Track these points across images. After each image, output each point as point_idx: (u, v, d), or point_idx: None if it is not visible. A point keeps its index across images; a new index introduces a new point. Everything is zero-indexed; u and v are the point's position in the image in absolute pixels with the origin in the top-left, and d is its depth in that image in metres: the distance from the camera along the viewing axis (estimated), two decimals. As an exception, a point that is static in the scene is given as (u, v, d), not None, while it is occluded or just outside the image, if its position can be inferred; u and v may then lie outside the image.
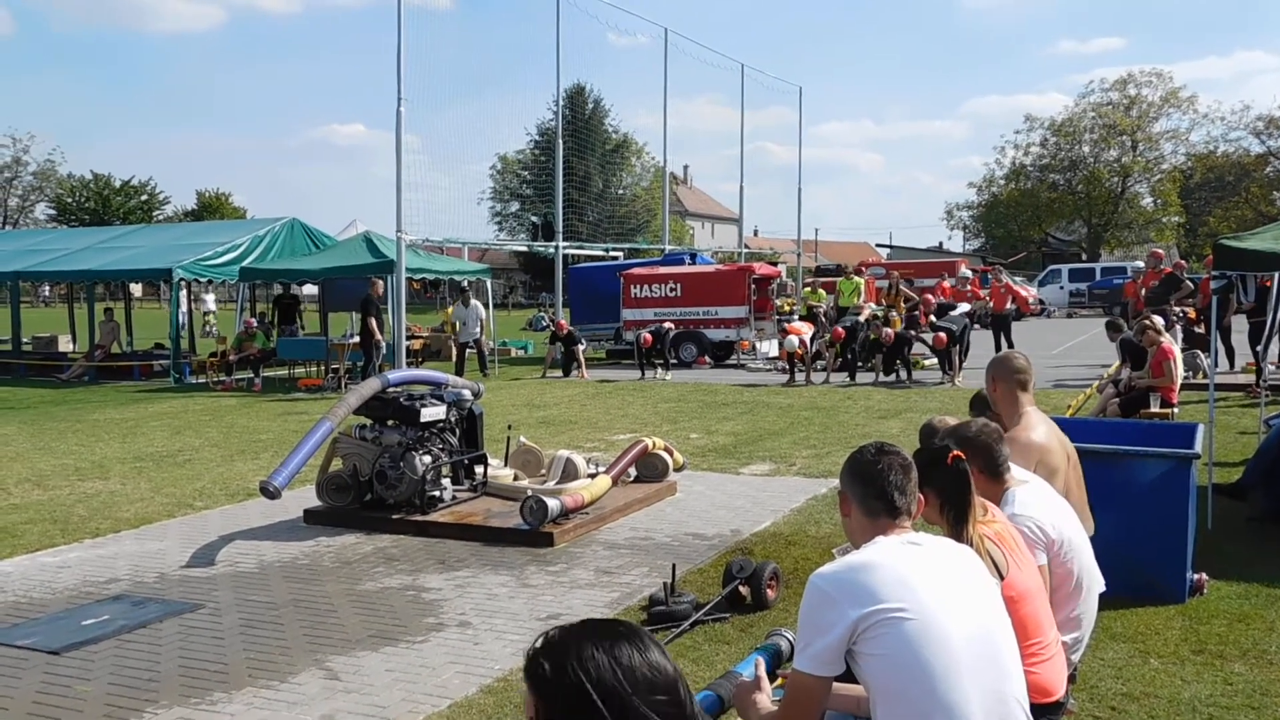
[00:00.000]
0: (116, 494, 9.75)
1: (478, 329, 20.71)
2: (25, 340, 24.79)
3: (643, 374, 20.14)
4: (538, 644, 1.66)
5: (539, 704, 1.63)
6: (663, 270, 24.34)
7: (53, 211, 76.57)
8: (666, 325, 21.18)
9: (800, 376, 18.44)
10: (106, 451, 12.18)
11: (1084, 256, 61.51)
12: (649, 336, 20.31)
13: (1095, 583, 3.98)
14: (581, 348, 21.07)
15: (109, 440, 13.06)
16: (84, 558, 7.54)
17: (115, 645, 5.68)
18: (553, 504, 7.63)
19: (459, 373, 19.23)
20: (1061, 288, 43.03)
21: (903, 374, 18.04)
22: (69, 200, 75.53)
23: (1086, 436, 6.31)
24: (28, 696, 4.99)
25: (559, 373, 20.86)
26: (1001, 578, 3.16)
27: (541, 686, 1.61)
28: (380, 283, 18.84)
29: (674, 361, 21.35)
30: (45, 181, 78.84)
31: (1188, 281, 18.26)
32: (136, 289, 40.62)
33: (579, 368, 20.71)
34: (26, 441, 13.05)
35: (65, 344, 26.63)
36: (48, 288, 53.40)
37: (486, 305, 22.13)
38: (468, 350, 20.76)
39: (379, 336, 18.22)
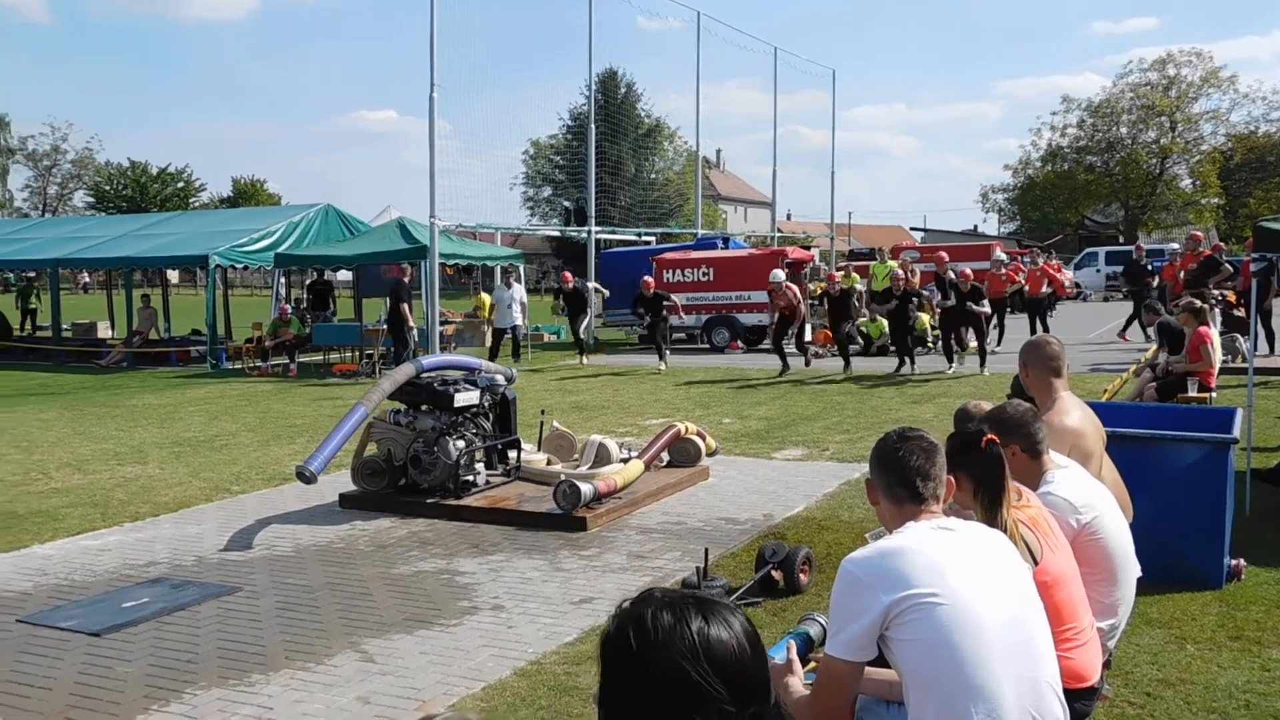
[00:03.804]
0: (155, 478, 9.87)
1: (517, 315, 20.47)
2: (65, 327, 25.09)
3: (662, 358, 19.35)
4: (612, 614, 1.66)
5: (601, 676, 1.63)
6: (695, 255, 24.28)
7: (91, 199, 77.47)
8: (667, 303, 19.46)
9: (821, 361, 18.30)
10: (145, 436, 12.33)
11: (1121, 239, 60.82)
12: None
13: (1133, 570, 3.94)
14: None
15: (147, 425, 13.21)
16: (123, 541, 7.65)
17: (155, 627, 5.76)
18: (586, 488, 7.66)
19: (493, 357, 19.24)
20: (1098, 271, 42.57)
21: (943, 365, 17.27)
22: (107, 188, 76.34)
23: (1123, 421, 6.26)
24: (70, 677, 5.07)
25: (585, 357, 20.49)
26: (1035, 563, 3.15)
27: (607, 657, 1.62)
28: (410, 269, 18.92)
29: (705, 346, 21.19)
30: (84, 169, 79.77)
31: (1227, 264, 18.01)
32: (174, 275, 40.99)
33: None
34: (66, 426, 13.23)
35: (104, 330, 26.92)
36: (87, 275, 53.97)
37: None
38: (504, 336, 20.49)
39: (411, 322, 18.32)
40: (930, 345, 18.64)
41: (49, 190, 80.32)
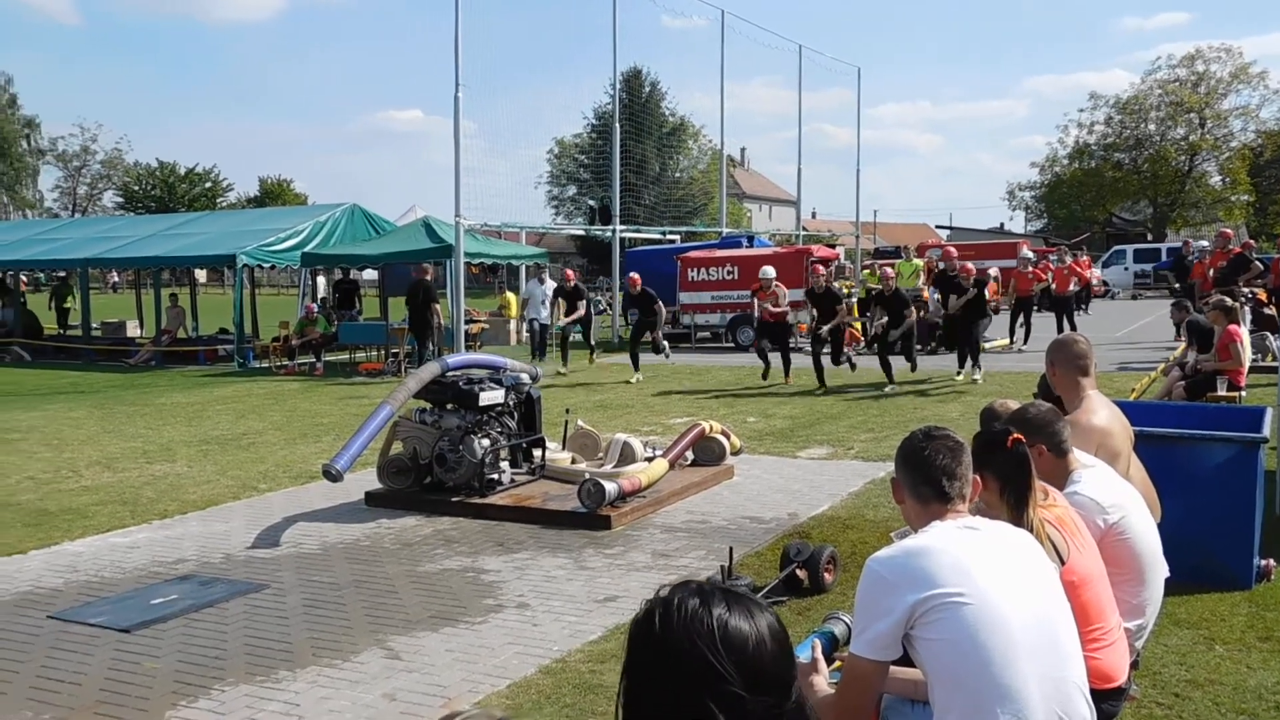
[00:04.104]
0: (183, 476, 9.95)
1: (548, 311, 20.32)
2: (94, 326, 25.32)
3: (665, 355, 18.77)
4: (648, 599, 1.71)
5: (627, 653, 1.68)
6: (720, 253, 24.24)
7: (120, 199, 78.17)
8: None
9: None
10: (173, 435, 12.43)
11: (1149, 237, 60.31)
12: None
13: (1161, 570, 3.92)
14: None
15: (175, 424, 13.32)
16: (152, 538, 7.71)
17: (183, 624, 5.81)
18: (610, 487, 7.66)
19: (534, 355, 19.26)
20: (1126, 269, 42.26)
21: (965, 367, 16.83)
22: (135, 188, 77.03)
23: (1152, 420, 6.22)
24: (100, 673, 5.12)
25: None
26: (1062, 562, 3.13)
27: (632, 636, 1.67)
28: (429, 268, 18.98)
29: (729, 344, 21.02)
30: (113, 170, 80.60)
31: (1257, 262, 17.85)
32: (201, 275, 41.31)
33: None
34: (96, 425, 13.35)
35: (133, 329, 27.16)
36: (116, 274, 54.43)
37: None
38: (536, 325, 20.30)
39: (440, 319, 18.41)
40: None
41: (79, 190, 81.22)
